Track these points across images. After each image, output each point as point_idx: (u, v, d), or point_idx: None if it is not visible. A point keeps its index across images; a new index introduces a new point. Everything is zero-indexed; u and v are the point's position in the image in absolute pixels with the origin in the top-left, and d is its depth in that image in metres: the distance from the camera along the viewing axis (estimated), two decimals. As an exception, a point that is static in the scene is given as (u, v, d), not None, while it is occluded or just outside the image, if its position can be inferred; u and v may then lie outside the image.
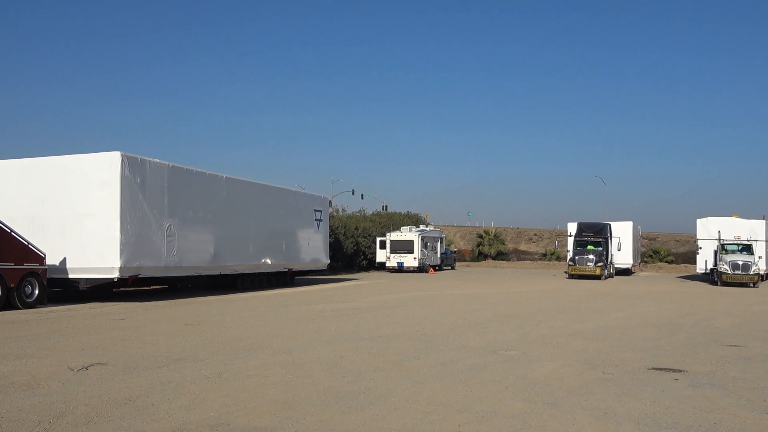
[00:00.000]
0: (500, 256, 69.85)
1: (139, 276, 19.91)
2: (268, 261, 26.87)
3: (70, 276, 19.20)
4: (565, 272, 41.42)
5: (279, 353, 10.48)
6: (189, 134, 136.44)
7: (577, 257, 37.80)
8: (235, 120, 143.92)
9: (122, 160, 19.19)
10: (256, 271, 26.45)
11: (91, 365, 9.23)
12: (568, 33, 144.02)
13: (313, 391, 7.81)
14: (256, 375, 8.71)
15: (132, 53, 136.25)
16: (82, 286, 19.28)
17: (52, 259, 18.85)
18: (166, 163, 21.10)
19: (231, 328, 13.68)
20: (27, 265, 17.44)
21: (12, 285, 16.95)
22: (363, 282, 33.24)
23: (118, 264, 18.95)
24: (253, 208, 25.91)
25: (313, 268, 31.49)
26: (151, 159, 20.48)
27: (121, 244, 19.03)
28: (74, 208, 19.41)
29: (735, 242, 35.01)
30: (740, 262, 32.57)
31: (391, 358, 10.10)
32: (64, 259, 19.15)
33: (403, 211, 60.38)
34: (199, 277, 23.28)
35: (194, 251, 22.18)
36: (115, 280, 19.12)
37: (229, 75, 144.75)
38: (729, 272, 32.58)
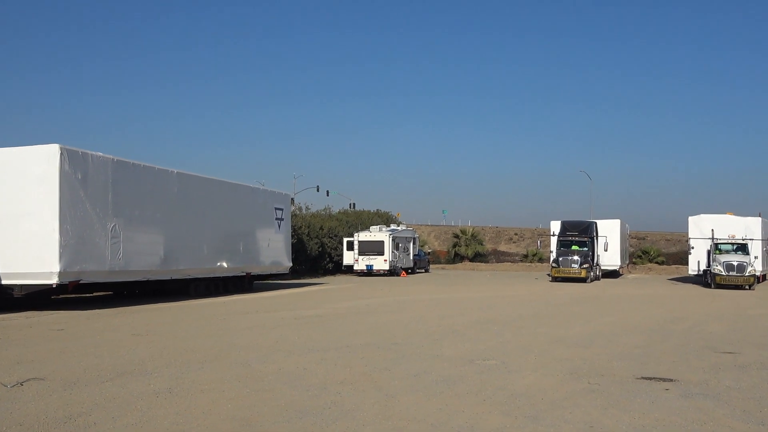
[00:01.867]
0: (478, 257, 70.27)
1: (81, 282, 19.64)
2: (224, 264, 26.70)
3: (4, 282, 18.86)
4: (548, 274, 41.79)
5: (236, 365, 10.41)
6: (137, 129, 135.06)
7: (560, 258, 38.15)
8: (188, 113, 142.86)
9: (61, 154, 18.89)
10: (211, 275, 26.27)
11: (26, 380, 9.08)
12: (546, 21, 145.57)
13: (273, 406, 7.77)
14: (210, 389, 8.64)
15: (81, 43, 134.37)
16: (17, 293, 18.97)
17: (-18, 264, 18.48)
18: (110, 156, 20.83)
19: (183, 339, 13.56)
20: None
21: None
22: (329, 287, 33.17)
23: (57, 268, 18.64)
24: (208, 206, 25.72)
25: (274, 271, 31.38)
26: (94, 152, 20.20)
27: (61, 246, 18.73)
28: (7, 207, 19.05)
29: (729, 241, 35.58)
30: (735, 263, 33.10)
31: (360, 370, 10.10)
32: (-4, 263, 18.80)
33: (373, 209, 60.38)
34: (148, 282, 23.04)
35: (142, 254, 21.94)
36: (54, 286, 18.81)
37: (180, 66, 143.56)
38: (723, 273, 33.11)
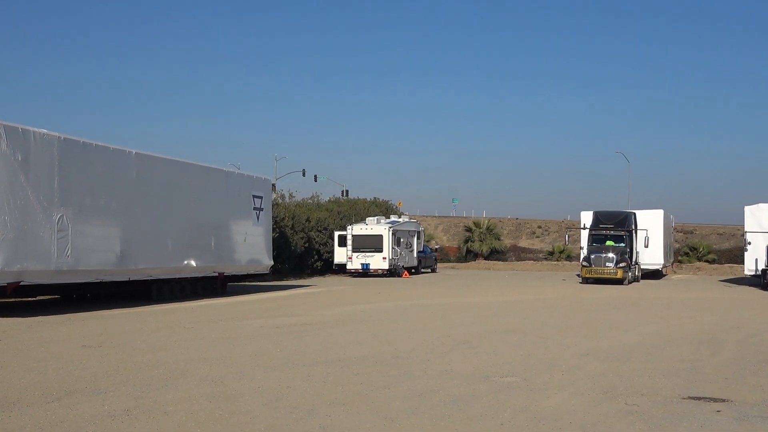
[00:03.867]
0: (494, 254, 70.27)
1: (22, 283, 19.57)
2: (193, 263, 26.66)
3: (-71, 284, 18.84)
4: (578, 275, 41.79)
5: (206, 382, 10.41)
6: (87, 102, 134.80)
7: (592, 256, 38.14)
8: (149, 78, 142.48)
9: (-3, 131, 18.85)
10: (177, 275, 26.24)
11: (-44, 401, 9.07)
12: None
13: (251, 431, 7.76)
14: (176, 411, 8.63)
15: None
16: (-56, 297, 18.93)
17: None
18: (56, 134, 20.74)
19: (143, 351, 13.54)
20: None
21: None
22: (317, 289, 33.18)
23: (-8, 267, 18.62)
24: (173, 193, 25.65)
25: (252, 271, 31.33)
26: (37, 129, 20.12)
27: (-3, 241, 18.72)
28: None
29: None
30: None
31: (353, 388, 10.09)
32: None
33: (369, 197, 60.36)
34: (102, 284, 23.00)
35: (94, 250, 21.89)
36: (-10, 288, 18.78)
37: (137, 23, 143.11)
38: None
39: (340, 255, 45.95)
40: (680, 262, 61.10)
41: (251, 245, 30.68)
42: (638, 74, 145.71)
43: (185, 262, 26.36)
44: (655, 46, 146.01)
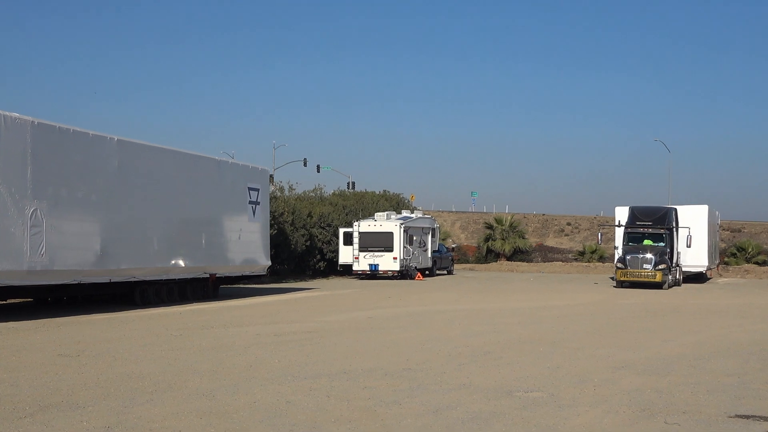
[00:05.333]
0: (518, 255, 70.23)
1: (-9, 285, 19.66)
2: (181, 263, 26.71)
3: None
4: (612, 278, 41.72)
5: (196, 396, 10.43)
6: (60, 79, 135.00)
7: (628, 257, 38.06)
8: (131, 54, 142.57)
9: (-37, 115, 18.93)
10: (164, 277, 26.27)
11: None
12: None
13: (246, 451, 7.79)
14: (162, 428, 8.64)
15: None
16: None
17: None
18: (29, 118, 20.79)
19: (126, 361, 13.56)
20: None
21: None
22: (320, 293, 33.20)
23: (-42, 267, 18.72)
24: (159, 185, 25.68)
25: (247, 272, 31.35)
26: (8, 113, 20.17)
27: (-36, 237, 18.80)
28: None
29: None
30: None
31: (361, 404, 10.10)
32: None
33: (378, 190, 60.38)
34: (80, 286, 23.05)
35: (72, 248, 21.94)
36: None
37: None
38: None
39: (345, 255, 45.91)
40: (726, 263, 60.92)
41: (246, 243, 30.68)
42: (679, 51, 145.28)
43: (173, 262, 26.39)
44: (698, 20, 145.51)
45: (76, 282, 22.51)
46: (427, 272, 48.25)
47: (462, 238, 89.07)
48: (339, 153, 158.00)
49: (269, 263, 33.23)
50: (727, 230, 79.94)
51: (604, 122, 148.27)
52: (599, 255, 67.89)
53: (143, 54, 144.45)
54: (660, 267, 37.51)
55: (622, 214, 41.49)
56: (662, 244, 38.68)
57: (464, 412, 9.68)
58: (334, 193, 55.98)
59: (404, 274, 44.61)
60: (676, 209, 41.02)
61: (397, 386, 11.33)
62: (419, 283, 41.58)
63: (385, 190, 60.14)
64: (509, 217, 74.18)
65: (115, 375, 12.08)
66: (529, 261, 70.17)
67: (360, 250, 44.44)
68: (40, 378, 11.81)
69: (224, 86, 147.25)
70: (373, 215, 47.15)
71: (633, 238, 39.15)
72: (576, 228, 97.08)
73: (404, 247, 44.57)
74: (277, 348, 15.43)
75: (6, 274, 19.96)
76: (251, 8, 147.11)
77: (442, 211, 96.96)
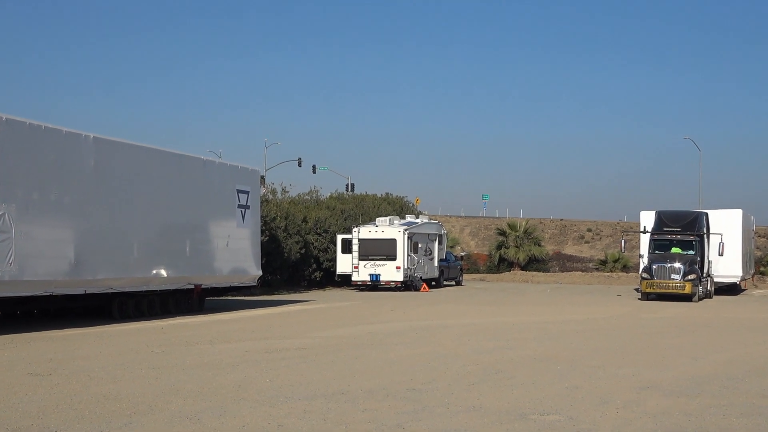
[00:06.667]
0: (534, 264, 70.24)
1: (-46, 297, 19.71)
2: (163, 272, 26.73)
3: None
4: (637, 289, 41.69)
5: (180, 419, 10.46)
6: (31, 71, 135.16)
7: (655, 266, 38.02)
8: (108, 44, 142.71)
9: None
10: (144, 288, 26.28)
11: None
12: None
13: (235, 479, 7.84)
14: (144, 454, 8.69)
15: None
16: None
17: None
18: (-2, 114, 20.91)
19: (102, 380, 13.58)
20: None
21: None
22: (316, 306, 33.21)
23: None
24: (139, 187, 25.71)
25: (236, 283, 31.38)
26: (-27, 108, 20.23)
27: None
28: None
29: None
30: None
31: (360, 428, 10.13)
32: None
33: (380, 192, 60.37)
34: (52, 297, 23.08)
35: (43, 257, 21.98)
36: None
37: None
38: None
39: (343, 264, 45.89)
40: (762, 273, 60.88)
41: (235, 251, 30.69)
42: (711, 42, 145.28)
43: (154, 272, 26.41)
44: (726, 10, 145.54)
45: (48, 293, 22.54)
46: (433, 283, 48.27)
47: (472, 245, 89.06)
48: (337, 152, 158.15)
49: (260, 273, 33.25)
50: (764, 237, 79.87)
51: (628, 120, 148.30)
52: (623, 264, 67.89)
53: (121, 44, 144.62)
54: (689, 277, 37.47)
55: (647, 219, 41.48)
56: (692, 252, 38.63)
57: (474, 436, 9.72)
58: (331, 196, 55.96)
59: (408, 285, 44.61)
60: (707, 214, 40.98)
61: (401, 408, 11.36)
62: (425, 295, 41.57)
63: (387, 193, 60.14)
64: (524, 223, 74.20)
65: (90, 396, 12.10)
66: (546, 271, 70.21)
67: (360, 259, 44.42)
68: (8, 399, 11.82)
69: (210, 78, 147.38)
70: (374, 220, 47.14)
71: (660, 246, 39.11)
72: (597, 234, 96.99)
73: (408, 255, 44.55)
74: (268, 366, 15.44)
75: (-29, 284, 20.03)
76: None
77: (450, 216, 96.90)
